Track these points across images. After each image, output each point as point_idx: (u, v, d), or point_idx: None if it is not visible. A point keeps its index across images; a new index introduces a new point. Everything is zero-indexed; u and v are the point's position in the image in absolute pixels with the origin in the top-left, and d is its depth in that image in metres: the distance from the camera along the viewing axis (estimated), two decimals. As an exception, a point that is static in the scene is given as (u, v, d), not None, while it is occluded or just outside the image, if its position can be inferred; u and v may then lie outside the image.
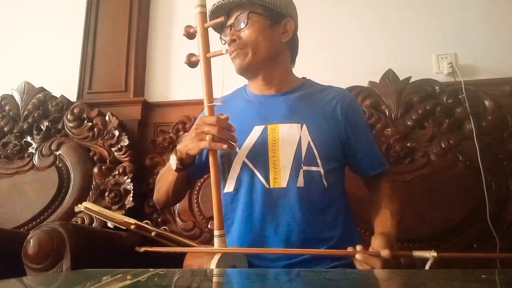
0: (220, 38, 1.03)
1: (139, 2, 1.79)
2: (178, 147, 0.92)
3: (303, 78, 1.09)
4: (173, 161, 0.92)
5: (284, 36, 1.01)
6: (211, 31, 0.90)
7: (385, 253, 0.76)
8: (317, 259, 0.90)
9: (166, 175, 1.00)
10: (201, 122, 0.86)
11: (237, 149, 0.95)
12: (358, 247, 0.80)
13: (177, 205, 1.46)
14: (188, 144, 0.88)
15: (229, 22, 0.98)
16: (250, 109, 1.02)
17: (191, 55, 0.89)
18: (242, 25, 0.96)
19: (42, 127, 1.61)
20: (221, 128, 0.84)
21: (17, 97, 1.67)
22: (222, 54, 0.84)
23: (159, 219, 1.47)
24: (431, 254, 0.76)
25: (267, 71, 1.00)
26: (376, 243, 0.81)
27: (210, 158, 0.87)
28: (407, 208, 1.21)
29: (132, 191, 1.46)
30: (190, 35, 0.88)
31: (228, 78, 0.91)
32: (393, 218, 0.93)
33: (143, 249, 0.89)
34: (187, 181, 1.05)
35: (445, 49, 1.56)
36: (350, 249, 0.81)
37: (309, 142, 0.94)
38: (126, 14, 1.77)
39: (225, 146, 0.83)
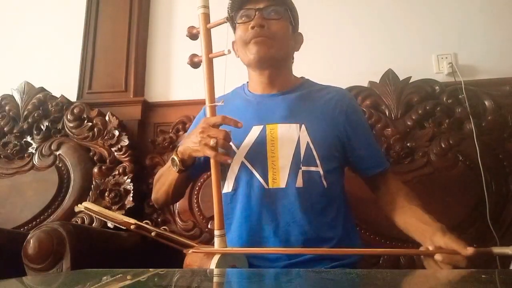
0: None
1: (139, 2, 1.79)
2: (180, 148, 0.91)
3: (302, 78, 1.09)
4: (174, 162, 0.91)
5: (296, 47, 1.05)
6: (212, 31, 0.89)
7: (469, 251, 0.74)
8: (317, 259, 0.89)
9: (166, 176, 1.00)
10: (206, 125, 0.85)
11: (235, 149, 0.95)
12: (431, 247, 0.78)
13: (177, 205, 1.46)
14: (193, 146, 0.86)
15: (257, 7, 0.95)
16: (249, 108, 1.01)
17: (193, 55, 0.88)
18: (277, 16, 0.96)
19: (42, 127, 1.61)
20: (227, 135, 0.83)
21: (17, 97, 1.67)
22: (225, 54, 0.84)
23: (159, 219, 1.47)
24: None
25: (276, 71, 1.00)
26: (448, 240, 0.78)
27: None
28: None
29: (132, 191, 1.46)
30: (193, 36, 0.88)
31: (230, 79, 0.90)
32: (427, 213, 0.91)
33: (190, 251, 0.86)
34: (186, 180, 1.05)
35: (445, 49, 1.55)
36: (422, 248, 0.80)
37: (308, 142, 0.93)
38: (126, 14, 1.77)
39: (229, 161, 0.85)
